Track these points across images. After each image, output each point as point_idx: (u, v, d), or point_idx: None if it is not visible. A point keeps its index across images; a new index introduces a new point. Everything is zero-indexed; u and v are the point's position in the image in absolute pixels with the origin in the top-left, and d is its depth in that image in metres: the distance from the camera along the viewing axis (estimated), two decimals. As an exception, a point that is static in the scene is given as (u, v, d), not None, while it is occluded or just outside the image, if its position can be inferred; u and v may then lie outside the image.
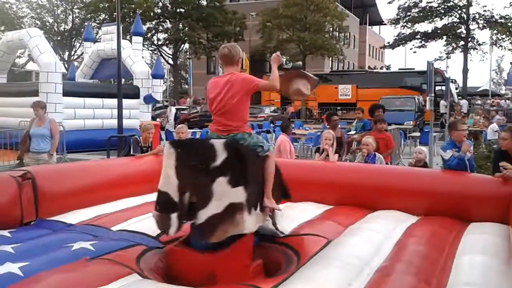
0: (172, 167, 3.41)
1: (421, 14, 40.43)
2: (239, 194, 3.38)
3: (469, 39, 39.67)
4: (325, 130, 7.65)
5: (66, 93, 14.36)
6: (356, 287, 3.04)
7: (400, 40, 42.48)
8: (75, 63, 28.19)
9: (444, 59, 42.35)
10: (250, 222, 3.43)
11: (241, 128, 3.67)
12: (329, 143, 6.46)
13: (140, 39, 17.76)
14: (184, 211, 3.39)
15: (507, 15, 37.86)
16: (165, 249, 3.66)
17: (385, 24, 56.84)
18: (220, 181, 3.36)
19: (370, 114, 9.03)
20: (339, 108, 30.76)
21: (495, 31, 38.37)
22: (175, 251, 3.54)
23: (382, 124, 8.09)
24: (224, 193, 3.36)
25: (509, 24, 37.06)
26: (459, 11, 39.76)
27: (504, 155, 4.95)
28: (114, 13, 16.08)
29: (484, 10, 39.09)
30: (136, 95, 16.33)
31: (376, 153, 6.69)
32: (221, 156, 3.39)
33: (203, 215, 3.33)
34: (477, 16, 39.19)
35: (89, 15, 41.08)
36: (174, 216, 3.38)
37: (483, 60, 63.37)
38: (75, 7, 43.84)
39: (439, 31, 40.56)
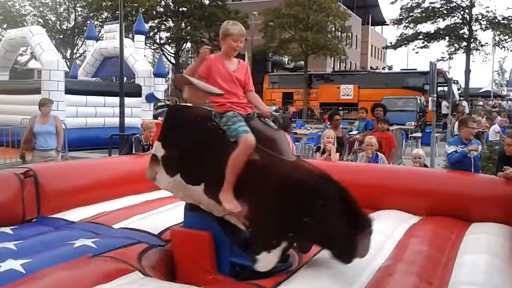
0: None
1: (424, 14, 40.35)
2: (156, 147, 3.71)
3: (472, 40, 39.59)
4: (326, 129, 7.66)
5: (68, 91, 14.38)
6: (358, 287, 3.03)
7: (403, 41, 42.42)
8: (77, 61, 28.19)
9: (447, 59, 42.33)
10: (163, 179, 3.66)
11: (216, 109, 3.49)
12: (331, 142, 6.46)
13: (142, 37, 17.77)
14: None
15: (510, 16, 37.75)
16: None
17: (387, 24, 56.88)
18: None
19: (372, 113, 9.05)
20: (340, 108, 30.73)
21: (497, 32, 38.34)
22: (175, 232, 3.69)
23: (385, 124, 8.08)
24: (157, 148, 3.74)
25: (512, 25, 37.02)
26: (462, 12, 39.68)
27: (508, 159, 4.95)
28: (117, 12, 16.11)
29: (487, 11, 39.00)
30: (138, 94, 16.36)
31: (378, 153, 6.70)
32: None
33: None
34: (480, 17, 39.11)
35: (91, 14, 41.10)
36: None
37: (485, 61, 63.46)
38: (78, 5, 43.83)
39: (441, 32, 40.48)
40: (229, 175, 3.26)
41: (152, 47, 44.20)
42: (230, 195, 3.28)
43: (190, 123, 3.57)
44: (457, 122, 14.37)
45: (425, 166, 6.68)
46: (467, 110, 26.55)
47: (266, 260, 3.10)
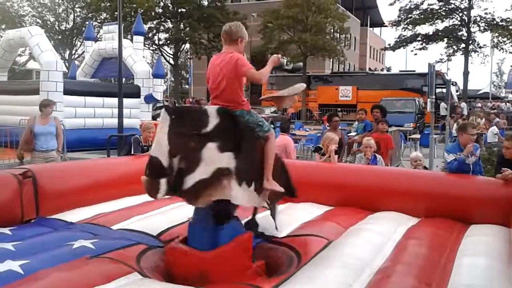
0: (164, 133, 3.42)
1: (422, 16, 40.40)
2: (226, 160, 3.36)
3: (470, 42, 39.64)
4: (325, 131, 7.64)
5: (66, 92, 14.37)
6: (357, 288, 3.04)
7: (401, 42, 42.45)
8: (76, 62, 28.17)
9: (445, 61, 42.34)
10: (239, 194, 3.39)
11: (239, 106, 3.60)
12: (335, 145, 6.46)
13: (141, 38, 17.77)
14: (173, 175, 3.38)
15: (508, 18, 37.80)
16: (165, 248, 3.65)
17: (386, 26, 56.90)
18: (209, 146, 3.35)
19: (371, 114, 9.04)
20: (339, 109, 30.75)
21: (496, 34, 38.38)
22: (173, 250, 3.53)
23: (384, 125, 8.08)
24: (213, 158, 3.35)
25: (510, 27, 37.04)
26: (461, 14, 39.74)
27: (507, 162, 4.95)
28: (116, 13, 16.09)
29: (486, 13, 39.03)
30: (136, 95, 16.35)
31: (376, 154, 6.70)
32: (212, 122, 3.40)
33: (190, 180, 3.34)
34: (478, 18, 39.17)
35: (90, 14, 41.11)
36: (163, 181, 3.38)
37: (484, 63, 63.01)
38: (77, 6, 43.81)
39: (440, 34, 40.53)
40: (268, 165, 3.66)
41: (151, 48, 44.23)
42: (272, 181, 3.69)
43: (242, 125, 3.56)
44: (455, 124, 14.43)
45: (425, 168, 6.69)
46: (465, 112, 26.58)
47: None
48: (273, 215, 4.15)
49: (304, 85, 4.36)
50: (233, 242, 3.45)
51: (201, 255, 3.37)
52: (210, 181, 3.33)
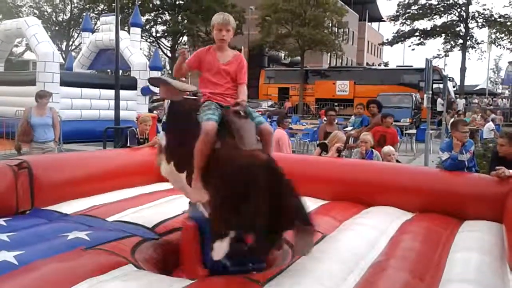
0: None
1: (421, 11, 40.43)
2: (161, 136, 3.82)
3: (468, 38, 39.70)
4: (322, 125, 7.65)
5: (63, 83, 14.33)
6: (351, 282, 3.05)
7: (399, 37, 42.49)
8: (73, 53, 28.06)
9: (443, 57, 42.42)
10: (164, 167, 3.71)
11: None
12: (342, 145, 6.48)
13: (138, 30, 17.71)
14: None
15: (506, 14, 37.91)
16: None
17: (384, 20, 56.84)
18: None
19: (367, 109, 9.05)
20: (336, 104, 30.76)
21: (493, 30, 38.44)
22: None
23: (390, 118, 8.07)
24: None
25: (508, 23, 37.10)
26: (459, 9, 39.77)
27: (501, 159, 4.97)
28: (113, 4, 16.01)
29: (484, 9, 39.10)
30: (133, 87, 16.31)
31: (374, 150, 6.70)
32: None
33: None
34: (476, 14, 39.21)
35: (87, 5, 40.86)
36: None
37: (481, 58, 63.67)
38: (74, -4, 43.61)
39: (438, 29, 40.57)
40: (196, 163, 3.26)
41: (148, 40, 44.04)
42: (198, 184, 3.28)
43: (182, 113, 3.68)
44: (451, 120, 14.43)
45: (397, 161, 6.72)
46: (460, 107, 26.61)
47: (219, 249, 3.00)
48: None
49: (194, 88, 3.82)
50: None
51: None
52: None
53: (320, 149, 6.80)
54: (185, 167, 3.48)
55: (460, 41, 40.00)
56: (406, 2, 40.60)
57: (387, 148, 6.65)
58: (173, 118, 3.84)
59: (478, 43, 40.69)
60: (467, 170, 5.15)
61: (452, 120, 14.48)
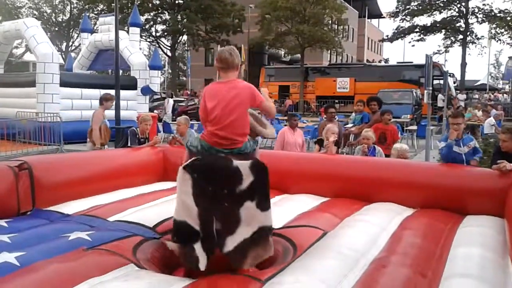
0: (188, 194, 3.18)
1: (420, 7, 40.36)
2: (268, 218, 3.25)
3: (468, 33, 39.62)
4: (322, 122, 7.64)
5: (63, 84, 14.31)
6: (352, 279, 3.05)
7: (399, 34, 42.42)
8: (73, 54, 28.04)
9: (443, 52, 42.37)
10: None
11: (245, 138, 3.48)
12: (336, 138, 6.46)
13: (137, 30, 17.67)
14: (211, 239, 3.18)
15: (506, 9, 37.80)
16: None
17: (384, 17, 56.71)
18: (247, 205, 3.17)
19: (367, 106, 9.03)
20: (337, 101, 30.74)
21: (494, 25, 38.35)
22: None
23: (389, 115, 8.06)
24: (253, 217, 3.20)
25: (508, 18, 37.01)
26: (458, 5, 39.69)
27: (503, 154, 4.96)
28: (112, 4, 16.00)
29: (484, 4, 39.00)
30: (133, 86, 16.28)
31: (376, 146, 6.69)
32: (247, 179, 3.18)
33: (231, 241, 3.18)
34: (476, 10, 39.13)
35: (87, 6, 40.85)
36: (198, 247, 3.16)
37: (481, 54, 63.19)
38: (73, -3, 43.63)
39: (438, 25, 40.50)
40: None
41: (148, 40, 44.03)
42: None
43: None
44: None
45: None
46: (461, 103, 26.57)
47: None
48: None
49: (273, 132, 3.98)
50: None
51: None
52: (255, 241, 3.20)
53: (318, 145, 6.80)
54: None
55: (460, 36, 39.93)
56: (405, -2, 40.57)
57: (399, 145, 6.56)
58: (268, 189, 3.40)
59: (478, 39, 40.62)
60: (466, 164, 5.17)
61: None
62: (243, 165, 3.20)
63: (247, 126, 3.49)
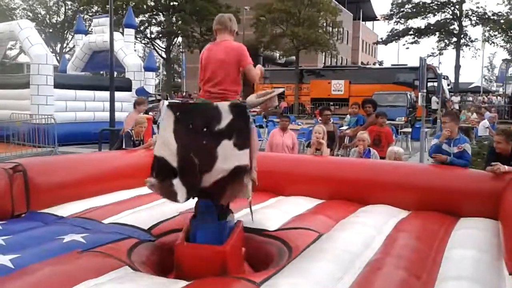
0: (170, 131, 3.32)
1: (415, 10, 40.58)
2: (244, 157, 3.28)
3: (462, 36, 39.84)
4: (316, 124, 7.65)
5: (57, 85, 14.26)
6: (347, 280, 3.05)
7: (393, 36, 42.61)
8: (67, 56, 27.97)
9: (437, 55, 42.67)
10: (249, 189, 3.36)
11: (235, 95, 3.62)
12: (319, 137, 6.45)
13: (132, 31, 17.64)
14: (190, 174, 3.26)
15: (499, 12, 38.08)
16: (174, 247, 3.43)
17: (378, 19, 56.94)
18: (224, 144, 3.26)
19: (362, 109, 9.05)
20: (331, 103, 30.79)
21: (487, 28, 38.58)
22: (185, 247, 3.38)
23: (383, 118, 8.07)
24: (229, 156, 3.26)
25: (502, 21, 37.24)
26: (452, 8, 39.92)
27: (498, 156, 4.98)
28: (107, 5, 15.97)
29: (477, 7, 39.34)
30: (128, 88, 16.24)
31: (371, 149, 6.70)
32: (226, 118, 3.28)
33: (208, 178, 3.26)
34: (470, 12, 39.37)
35: (81, 7, 40.74)
36: (176, 182, 3.26)
37: (475, 56, 63.79)
38: (68, -1, 43.49)
39: (432, 27, 40.72)
40: (255, 155, 3.62)
41: (143, 41, 43.96)
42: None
43: (249, 118, 3.54)
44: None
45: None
46: (455, 105, 26.69)
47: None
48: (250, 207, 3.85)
49: (280, 90, 4.07)
50: (235, 233, 3.46)
51: (219, 249, 3.31)
52: (231, 179, 3.25)
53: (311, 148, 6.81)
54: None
55: (454, 39, 40.14)
56: (400, 1, 40.76)
57: (396, 148, 6.59)
58: (247, 131, 3.45)
59: (472, 41, 40.89)
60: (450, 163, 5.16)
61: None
62: (223, 105, 3.34)
63: (238, 84, 3.66)
